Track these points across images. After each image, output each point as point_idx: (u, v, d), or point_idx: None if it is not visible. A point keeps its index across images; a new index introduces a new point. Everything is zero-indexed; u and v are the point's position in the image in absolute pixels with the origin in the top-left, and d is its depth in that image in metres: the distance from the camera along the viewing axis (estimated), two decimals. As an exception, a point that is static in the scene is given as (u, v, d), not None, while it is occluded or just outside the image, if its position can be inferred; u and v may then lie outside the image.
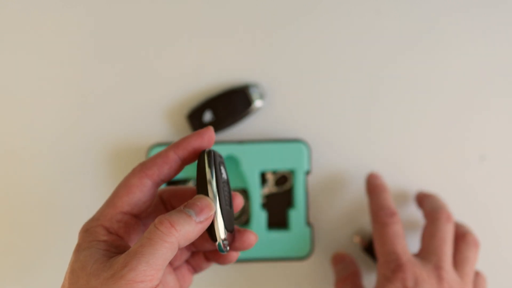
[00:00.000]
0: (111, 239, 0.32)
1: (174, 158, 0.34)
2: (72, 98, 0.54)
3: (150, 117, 0.54)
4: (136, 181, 0.33)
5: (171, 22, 0.54)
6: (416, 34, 0.54)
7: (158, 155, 0.34)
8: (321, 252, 0.54)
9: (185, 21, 0.54)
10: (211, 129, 0.35)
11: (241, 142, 0.52)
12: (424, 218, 0.49)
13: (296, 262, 0.54)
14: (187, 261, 0.39)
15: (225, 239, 0.33)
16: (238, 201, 0.38)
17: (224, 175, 0.35)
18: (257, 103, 0.53)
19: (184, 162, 0.35)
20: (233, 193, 0.37)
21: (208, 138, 0.35)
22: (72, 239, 0.54)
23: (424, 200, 0.51)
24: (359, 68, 0.54)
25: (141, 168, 0.33)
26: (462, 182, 0.54)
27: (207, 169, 0.33)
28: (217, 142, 0.52)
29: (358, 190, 0.54)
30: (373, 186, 0.50)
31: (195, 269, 0.39)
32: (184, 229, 0.31)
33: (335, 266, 0.51)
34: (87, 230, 0.33)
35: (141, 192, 0.33)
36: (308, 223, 0.53)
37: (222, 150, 0.51)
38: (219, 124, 0.53)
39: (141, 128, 0.54)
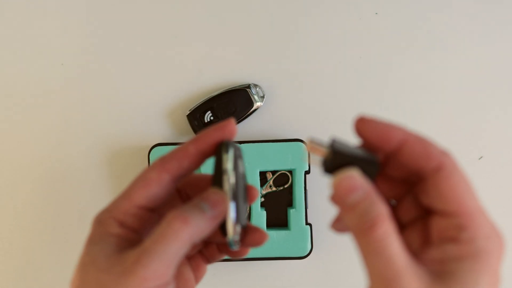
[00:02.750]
0: (124, 233, 0.31)
1: (194, 151, 0.32)
2: (73, 98, 0.54)
3: (150, 117, 0.54)
4: (154, 175, 0.32)
5: (172, 23, 0.54)
6: (416, 35, 0.54)
7: (178, 149, 0.33)
8: (320, 251, 0.54)
9: (185, 21, 0.54)
10: (232, 121, 0.33)
11: (241, 142, 0.52)
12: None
13: (295, 261, 0.54)
14: (201, 251, 0.38)
15: (236, 235, 0.32)
16: (253, 194, 0.36)
17: (240, 169, 0.34)
18: (257, 103, 0.53)
19: (205, 155, 0.33)
20: (248, 186, 0.36)
21: (229, 130, 0.33)
22: (74, 239, 0.54)
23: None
24: (359, 68, 0.54)
25: (161, 162, 0.32)
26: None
27: (224, 161, 0.32)
28: (217, 142, 0.53)
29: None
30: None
31: (209, 259, 0.38)
32: (198, 225, 0.30)
33: (345, 199, 0.28)
34: (100, 222, 0.32)
35: (159, 187, 0.32)
36: (308, 223, 0.53)
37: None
38: (219, 124, 0.53)
39: (142, 128, 0.54)
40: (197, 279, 0.38)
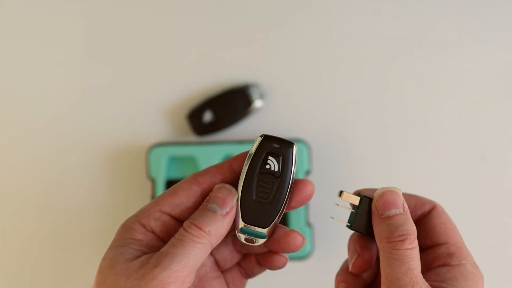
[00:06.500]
0: (148, 239, 0.32)
1: (229, 168, 0.33)
2: (72, 98, 0.54)
3: (150, 117, 0.54)
4: (184, 186, 0.32)
5: (171, 22, 0.54)
6: (417, 35, 0.54)
7: (213, 165, 0.33)
8: (321, 252, 0.54)
9: (185, 21, 0.54)
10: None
11: (241, 142, 0.52)
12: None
13: (296, 262, 0.54)
14: (239, 264, 0.37)
15: (244, 228, 0.32)
16: (304, 192, 0.33)
17: (272, 166, 0.33)
18: (257, 103, 0.53)
19: (239, 173, 0.33)
20: (297, 180, 0.33)
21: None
22: (72, 240, 0.54)
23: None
24: (359, 68, 0.54)
25: (194, 175, 0.33)
26: (462, 182, 0.54)
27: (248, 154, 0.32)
28: (217, 142, 0.52)
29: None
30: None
31: (248, 273, 0.38)
32: (213, 228, 0.30)
33: (385, 211, 0.32)
34: (125, 226, 0.32)
35: (187, 197, 0.32)
36: (308, 223, 0.52)
37: (222, 150, 0.51)
38: (219, 124, 0.53)
39: (141, 128, 0.54)
40: None
